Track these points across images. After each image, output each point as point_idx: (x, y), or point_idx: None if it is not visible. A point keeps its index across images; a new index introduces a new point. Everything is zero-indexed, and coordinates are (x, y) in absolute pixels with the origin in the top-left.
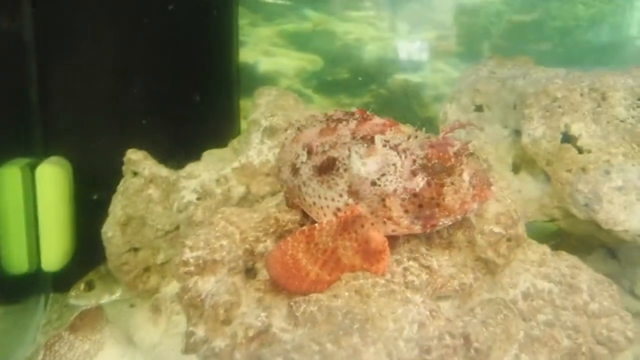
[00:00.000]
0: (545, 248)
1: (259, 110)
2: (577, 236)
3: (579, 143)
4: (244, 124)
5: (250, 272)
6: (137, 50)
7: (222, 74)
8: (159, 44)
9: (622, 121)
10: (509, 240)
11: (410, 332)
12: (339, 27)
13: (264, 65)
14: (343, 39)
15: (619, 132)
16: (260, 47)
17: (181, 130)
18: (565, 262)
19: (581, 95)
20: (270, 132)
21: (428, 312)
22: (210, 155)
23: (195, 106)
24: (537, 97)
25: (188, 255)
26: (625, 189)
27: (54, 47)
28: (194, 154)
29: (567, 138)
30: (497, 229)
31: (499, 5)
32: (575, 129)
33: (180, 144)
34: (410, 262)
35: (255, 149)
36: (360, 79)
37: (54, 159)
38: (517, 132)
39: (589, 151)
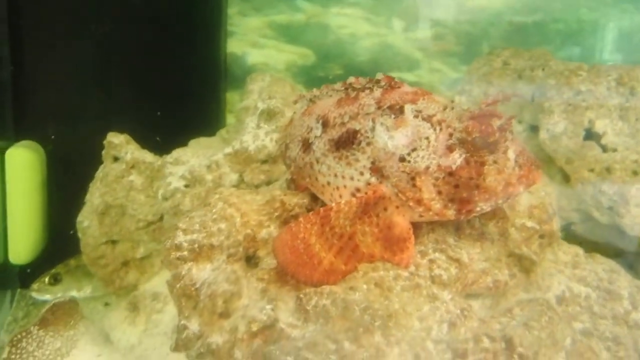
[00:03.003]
0: (578, 249)
1: (252, 96)
2: (592, 242)
3: (603, 141)
4: (229, 118)
5: (251, 261)
6: (119, 32)
7: (208, 64)
8: (142, 26)
9: None
10: (541, 237)
11: (439, 332)
12: (333, 21)
13: (253, 57)
14: (337, 33)
15: None
16: (249, 38)
17: (163, 120)
18: (602, 266)
19: (608, 89)
20: (268, 115)
21: (459, 311)
22: (198, 143)
23: (179, 96)
24: (559, 90)
25: (181, 238)
26: None
27: (29, 24)
28: (175, 146)
29: (591, 135)
30: (530, 224)
31: (499, 6)
32: (600, 126)
33: (162, 135)
34: (437, 254)
35: (250, 134)
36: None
37: (25, 143)
38: (534, 128)
39: (615, 150)
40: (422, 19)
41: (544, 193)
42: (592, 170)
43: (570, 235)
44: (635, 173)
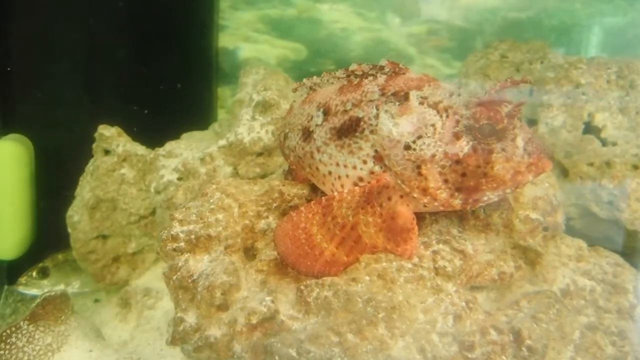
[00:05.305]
0: (581, 242)
1: (246, 89)
2: (591, 238)
3: (602, 134)
4: (221, 114)
5: (249, 252)
6: (109, 26)
7: (200, 59)
8: (133, 20)
9: None
10: (545, 229)
11: (444, 325)
12: (325, 15)
13: (245, 51)
14: (329, 28)
15: None
16: (241, 33)
17: (155, 115)
18: (606, 259)
19: (607, 82)
20: (263, 107)
21: (464, 304)
22: (190, 137)
23: (170, 90)
24: (558, 83)
25: (177, 229)
26: None
27: (17, 15)
28: (167, 141)
29: (590, 128)
30: (534, 215)
31: (494, 2)
32: (600, 119)
33: (153, 130)
34: (441, 245)
35: (245, 126)
36: None
37: (13, 136)
38: (532, 122)
39: (615, 144)
40: (416, 15)
41: (547, 184)
42: (591, 165)
43: (568, 231)
44: (635, 167)
